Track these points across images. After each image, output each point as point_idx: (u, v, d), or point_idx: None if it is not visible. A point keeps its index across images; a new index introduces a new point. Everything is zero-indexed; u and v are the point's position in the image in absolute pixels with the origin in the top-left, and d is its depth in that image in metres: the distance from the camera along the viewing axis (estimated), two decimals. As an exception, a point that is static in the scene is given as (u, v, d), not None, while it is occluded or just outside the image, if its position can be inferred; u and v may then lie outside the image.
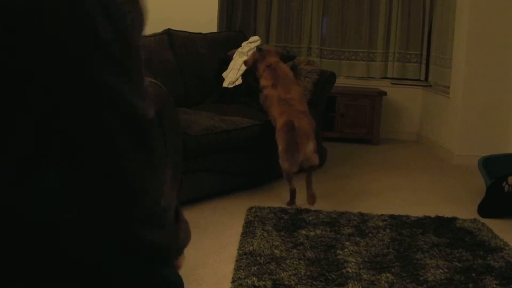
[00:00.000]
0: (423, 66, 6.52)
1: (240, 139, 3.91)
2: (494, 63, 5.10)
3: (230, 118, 3.96)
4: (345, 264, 2.71)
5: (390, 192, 4.14)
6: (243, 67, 4.55)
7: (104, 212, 0.63)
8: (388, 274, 2.60)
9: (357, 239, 3.07)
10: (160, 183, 0.70)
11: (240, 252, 2.84)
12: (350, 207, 3.67)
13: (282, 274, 2.57)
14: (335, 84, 5.05)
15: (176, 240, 0.82)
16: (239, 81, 4.64)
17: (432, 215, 3.55)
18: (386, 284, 2.50)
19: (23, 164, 0.60)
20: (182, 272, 2.26)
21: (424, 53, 6.50)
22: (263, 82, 3.98)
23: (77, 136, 0.61)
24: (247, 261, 2.72)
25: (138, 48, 0.68)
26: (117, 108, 0.63)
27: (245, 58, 4.63)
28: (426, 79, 6.51)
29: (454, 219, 3.50)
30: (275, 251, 2.84)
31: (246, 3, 6.58)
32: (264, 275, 2.56)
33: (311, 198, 3.65)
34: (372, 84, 6.49)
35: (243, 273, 2.58)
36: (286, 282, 2.49)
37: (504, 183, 3.61)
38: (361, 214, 3.51)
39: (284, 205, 3.65)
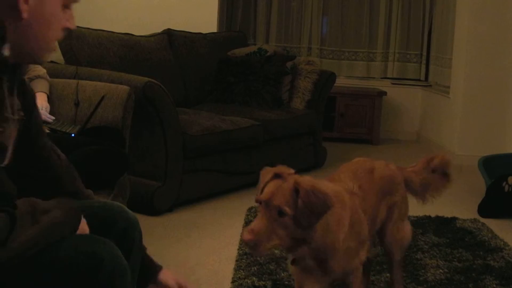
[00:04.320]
0: (423, 66, 6.52)
1: (240, 139, 3.91)
2: (494, 63, 5.10)
3: (230, 118, 3.96)
4: (345, 264, 2.71)
5: (390, 192, 4.14)
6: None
7: None
8: (388, 274, 2.60)
9: (357, 239, 3.07)
10: None
11: (240, 252, 2.84)
12: (350, 207, 3.67)
13: (282, 274, 2.57)
14: (335, 84, 5.05)
15: None
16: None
17: (432, 215, 3.55)
18: (386, 284, 2.50)
19: None
20: (182, 272, 2.26)
21: (424, 53, 6.50)
22: None
23: None
24: (247, 261, 2.72)
25: None
26: None
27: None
28: (426, 79, 6.51)
29: (454, 219, 3.50)
30: (275, 251, 2.84)
31: (246, 3, 6.58)
32: (264, 275, 2.56)
33: None
34: (372, 84, 6.49)
35: (243, 273, 2.58)
36: (286, 282, 2.49)
37: (504, 183, 3.61)
38: (361, 214, 3.51)
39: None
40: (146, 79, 3.30)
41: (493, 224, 3.44)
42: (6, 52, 1.24)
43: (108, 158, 2.41)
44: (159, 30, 4.60)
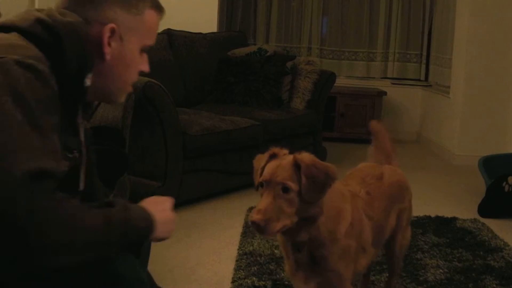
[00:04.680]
0: (423, 66, 6.53)
1: (240, 139, 3.91)
2: (494, 63, 5.10)
3: (230, 118, 3.97)
4: (345, 264, 2.71)
5: (390, 192, 4.14)
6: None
7: None
8: (388, 274, 2.60)
9: (357, 239, 3.07)
10: None
11: (240, 252, 2.84)
12: (350, 207, 3.66)
13: (282, 274, 2.57)
14: (335, 84, 5.05)
15: None
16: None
17: (432, 215, 3.55)
18: (385, 284, 2.50)
19: None
20: (182, 272, 2.27)
21: (424, 53, 6.51)
22: None
23: None
24: (247, 261, 2.72)
25: None
26: None
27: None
28: (426, 79, 6.51)
29: (454, 219, 3.50)
30: (275, 251, 2.84)
31: (246, 3, 6.58)
32: (264, 275, 2.56)
33: None
34: (372, 84, 6.49)
35: (243, 273, 2.58)
36: (286, 282, 2.49)
37: (504, 183, 3.61)
38: (361, 214, 3.51)
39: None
40: (146, 79, 3.30)
41: (493, 224, 3.44)
42: (88, 82, 1.31)
43: (108, 158, 2.41)
44: (159, 30, 4.59)
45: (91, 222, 1.13)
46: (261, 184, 1.63)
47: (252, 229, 3.21)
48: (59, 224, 1.07)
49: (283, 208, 1.57)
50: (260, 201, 1.59)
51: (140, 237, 1.27)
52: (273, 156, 1.68)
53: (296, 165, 1.61)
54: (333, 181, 1.64)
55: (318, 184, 1.61)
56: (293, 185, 1.58)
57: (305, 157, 1.64)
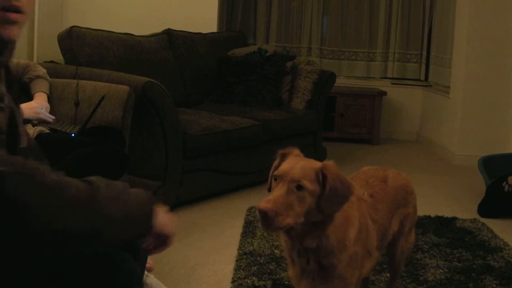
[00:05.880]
0: (423, 66, 6.53)
1: (240, 139, 3.91)
2: (494, 63, 5.10)
3: (230, 118, 3.97)
4: (345, 264, 2.71)
5: (390, 192, 4.13)
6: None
7: None
8: (388, 274, 2.60)
9: (357, 239, 3.07)
10: None
11: (240, 252, 2.84)
12: (350, 207, 3.66)
13: (282, 274, 2.57)
14: (335, 84, 5.05)
15: None
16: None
17: (432, 215, 3.55)
18: (386, 284, 2.50)
19: None
20: (182, 272, 2.26)
21: (424, 53, 6.51)
22: None
23: None
24: (247, 261, 2.72)
25: None
26: None
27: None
28: (426, 79, 6.52)
29: (454, 219, 3.50)
30: (275, 251, 2.84)
31: (246, 3, 6.58)
32: (264, 275, 2.56)
33: None
34: (372, 84, 6.50)
35: (243, 273, 2.58)
36: (286, 282, 2.49)
37: (504, 183, 3.62)
38: (361, 214, 3.51)
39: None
40: (146, 79, 3.30)
41: (493, 224, 3.44)
42: None
43: (108, 158, 2.41)
44: (159, 30, 4.60)
45: (77, 184, 1.05)
46: (274, 178, 1.60)
47: (252, 229, 3.20)
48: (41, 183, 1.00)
49: (293, 205, 1.54)
50: (272, 193, 1.57)
51: (142, 214, 1.20)
52: (284, 156, 1.68)
53: (322, 173, 1.59)
54: (349, 199, 1.63)
55: (338, 197, 1.60)
56: (309, 185, 1.55)
57: (332, 167, 1.61)
